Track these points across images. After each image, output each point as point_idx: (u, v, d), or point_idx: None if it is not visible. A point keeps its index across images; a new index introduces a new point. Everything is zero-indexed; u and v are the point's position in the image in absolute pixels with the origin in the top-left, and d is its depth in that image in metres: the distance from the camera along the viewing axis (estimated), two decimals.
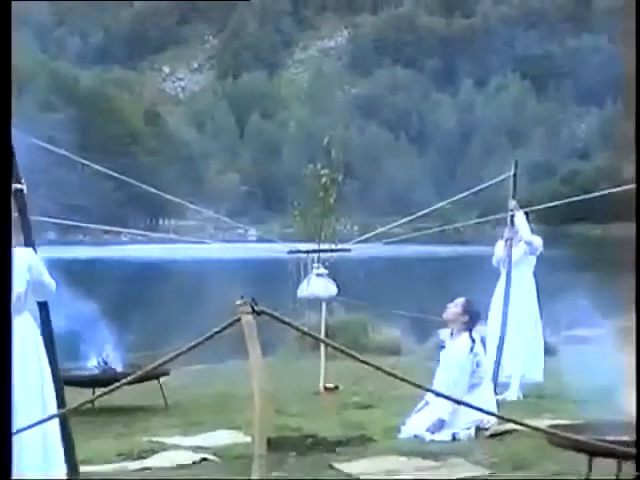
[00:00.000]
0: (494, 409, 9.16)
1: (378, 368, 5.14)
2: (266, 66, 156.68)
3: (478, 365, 9.46)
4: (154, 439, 9.15)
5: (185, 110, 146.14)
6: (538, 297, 11.80)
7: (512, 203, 11.71)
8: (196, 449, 8.64)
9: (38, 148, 7.64)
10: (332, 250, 12.67)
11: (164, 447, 8.79)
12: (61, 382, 6.65)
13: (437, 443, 8.87)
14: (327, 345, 11.37)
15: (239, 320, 4.76)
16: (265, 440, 4.65)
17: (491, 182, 12.62)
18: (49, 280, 6.54)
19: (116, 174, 10.11)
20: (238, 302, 4.79)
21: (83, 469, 7.01)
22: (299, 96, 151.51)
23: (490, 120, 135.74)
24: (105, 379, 10.14)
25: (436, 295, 13.65)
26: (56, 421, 6.35)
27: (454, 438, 9.06)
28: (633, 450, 5.63)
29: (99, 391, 7.84)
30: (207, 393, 12.20)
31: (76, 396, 7.15)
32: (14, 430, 5.64)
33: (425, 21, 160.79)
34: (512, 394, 11.26)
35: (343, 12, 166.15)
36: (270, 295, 8.16)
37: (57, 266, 7.11)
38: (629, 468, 6.05)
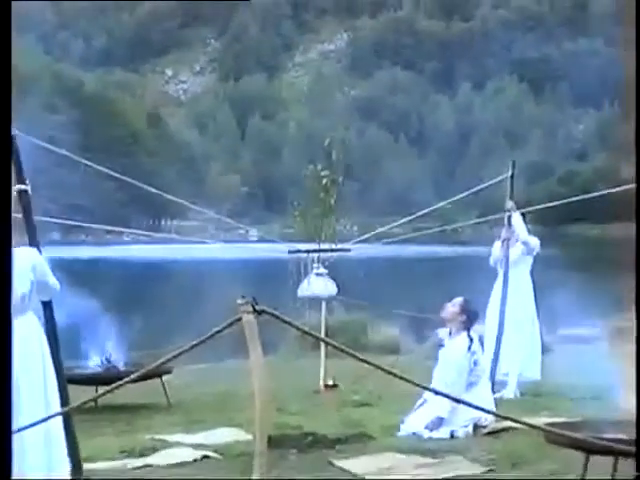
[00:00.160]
0: (492, 407, 9.23)
1: (377, 367, 5.15)
2: (267, 69, 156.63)
3: (476, 364, 9.49)
4: (156, 437, 9.18)
5: (187, 112, 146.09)
6: (535, 296, 11.83)
7: (509, 204, 11.75)
8: (198, 447, 8.67)
9: (41, 149, 7.65)
10: (332, 250, 12.70)
11: (166, 445, 8.82)
12: (64, 381, 6.67)
13: (435, 441, 8.92)
14: (327, 344, 11.40)
15: (240, 319, 4.76)
16: (266, 438, 4.66)
17: (489, 183, 12.68)
18: (53, 280, 6.52)
19: (118, 175, 10.14)
20: (239, 301, 4.79)
21: (85, 466, 7.06)
22: (299, 98, 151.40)
23: (488, 122, 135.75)
24: (108, 377, 10.17)
25: (435, 295, 13.68)
26: (59, 419, 6.37)
27: (452, 436, 9.12)
28: (630, 448, 5.64)
29: (102, 389, 7.84)
30: (209, 391, 12.21)
31: (79, 394, 7.18)
32: (16, 429, 5.64)
33: (424, 24, 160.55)
34: (510, 392, 11.29)
35: (343, 16, 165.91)
36: (271, 295, 8.20)
37: (60, 266, 7.14)
38: (625, 468, 6.09)
